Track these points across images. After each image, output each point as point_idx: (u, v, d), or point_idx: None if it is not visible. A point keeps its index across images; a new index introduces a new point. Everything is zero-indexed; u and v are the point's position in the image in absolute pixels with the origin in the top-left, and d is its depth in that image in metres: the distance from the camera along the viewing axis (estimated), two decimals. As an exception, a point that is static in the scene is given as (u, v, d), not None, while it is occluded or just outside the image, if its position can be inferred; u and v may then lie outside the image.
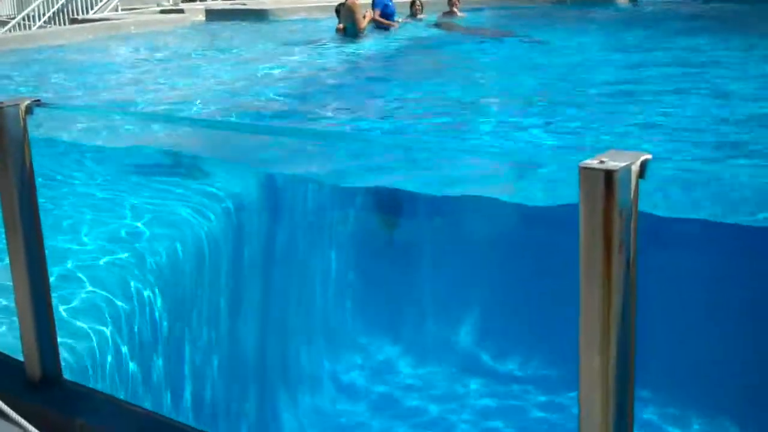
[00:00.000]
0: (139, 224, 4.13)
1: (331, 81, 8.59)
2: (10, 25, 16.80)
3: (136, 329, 3.43)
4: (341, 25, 11.87)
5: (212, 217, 4.31)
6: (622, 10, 16.35)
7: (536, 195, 3.21)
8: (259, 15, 15.39)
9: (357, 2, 11.75)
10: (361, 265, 4.83)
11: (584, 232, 1.61)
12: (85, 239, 3.92)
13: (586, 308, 1.58)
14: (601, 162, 1.63)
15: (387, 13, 12.49)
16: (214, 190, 4.54)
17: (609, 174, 1.59)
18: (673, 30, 12.07)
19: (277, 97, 7.59)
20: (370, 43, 11.34)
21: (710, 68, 8.36)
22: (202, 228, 4.20)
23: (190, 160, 4.70)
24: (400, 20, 12.67)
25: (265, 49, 11.45)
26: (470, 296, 4.60)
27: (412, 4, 13.42)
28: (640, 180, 1.72)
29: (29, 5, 17.42)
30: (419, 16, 13.39)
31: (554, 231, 3.06)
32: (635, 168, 1.67)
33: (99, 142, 4.76)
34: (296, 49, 11.05)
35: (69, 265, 3.63)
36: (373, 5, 12.25)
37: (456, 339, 4.71)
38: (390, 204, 4.19)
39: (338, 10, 12.14)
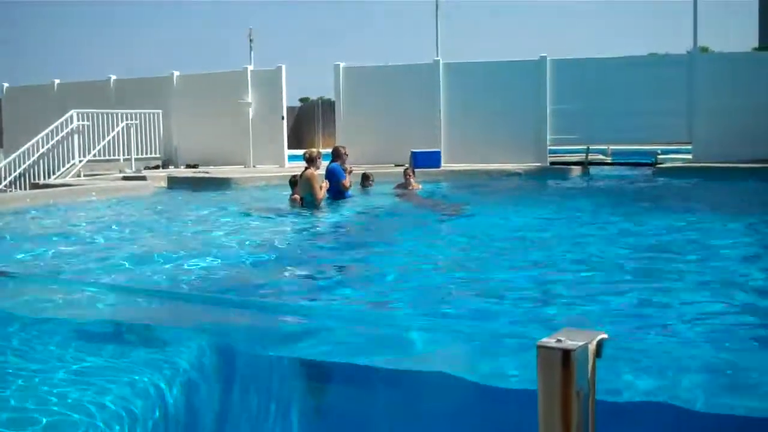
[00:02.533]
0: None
1: (290, 253, 8.65)
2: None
3: None
4: (296, 196, 12.07)
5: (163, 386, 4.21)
6: (575, 183, 16.96)
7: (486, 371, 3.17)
8: (220, 183, 15.66)
9: (315, 174, 12.02)
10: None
11: (542, 410, 1.61)
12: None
13: (546, 491, 1.56)
14: (558, 341, 1.64)
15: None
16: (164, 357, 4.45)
17: (566, 353, 1.60)
18: (622, 204, 12.52)
19: (236, 268, 7.61)
20: (328, 214, 11.53)
21: (656, 242, 8.60)
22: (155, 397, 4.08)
23: (143, 329, 4.63)
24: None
25: (227, 217, 11.56)
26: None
27: (364, 176, 13.73)
28: (597, 359, 1.74)
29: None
30: (370, 187, 13.68)
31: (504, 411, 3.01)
32: (592, 347, 1.69)
33: (48, 313, 4.71)
34: (257, 219, 11.19)
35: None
36: (327, 176, 12.50)
37: None
38: (317, 373, 4.10)
39: (292, 181, 12.38)
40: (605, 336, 1.76)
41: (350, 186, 12.44)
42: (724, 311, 5.36)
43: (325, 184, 12.26)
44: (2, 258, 8.24)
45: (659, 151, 19.91)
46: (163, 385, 4.00)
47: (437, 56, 19.86)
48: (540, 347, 1.65)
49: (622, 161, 20.00)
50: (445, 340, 3.18)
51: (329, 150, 14.00)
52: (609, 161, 20.62)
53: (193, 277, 6.96)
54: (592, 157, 19.36)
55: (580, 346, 1.68)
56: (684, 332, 4.79)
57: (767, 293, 6.13)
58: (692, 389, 2.66)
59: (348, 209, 12.01)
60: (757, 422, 2.80)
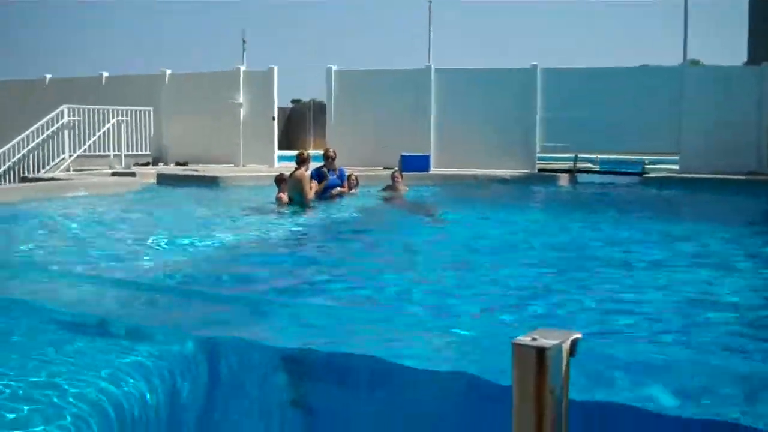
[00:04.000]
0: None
1: (275, 251, 8.70)
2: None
3: None
4: (282, 194, 12.09)
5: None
6: (563, 190, 17.08)
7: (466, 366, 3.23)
8: (209, 181, 15.68)
9: (306, 174, 12.07)
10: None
11: (516, 407, 1.67)
12: None
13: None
14: (534, 339, 1.70)
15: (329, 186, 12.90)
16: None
17: (541, 351, 1.66)
18: (609, 211, 12.61)
19: (225, 265, 7.65)
20: (313, 214, 11.57)
21: (641, 249, 8.69)
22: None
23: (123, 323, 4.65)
24: (337, 190, 12.98)
25: (213, 214, 11.59)
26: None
27: (348, 177, 13.83)
28: (570, 358, 1.80)
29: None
30: (353, 191, 13.69)
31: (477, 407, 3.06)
32: (566, 346, 1.75)
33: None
34: (242, 217, 11.22)
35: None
36: (314, 177, 12.58)
37: None
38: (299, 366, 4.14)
39: (278, 180, 12.38)
40: (579, 336, 1.81)
41: (311, 199, 12.19)
42: (692, 316, 5.45)
43: (314, 185, 12.31)
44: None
45: (647, 161, 20.04)
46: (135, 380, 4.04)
47: (429, 61, 19.94)
48: (515, 345, 1.71)
49: (610, 170, 20.12)
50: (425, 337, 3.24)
51: (321, 152, 14.09)
52: (597, 170, 20.74)
53: (170, 271, 7.00)
54: (580, 165, 19.47)
55: (554, 345, 1.74)
56: (654, 336, 4.88)
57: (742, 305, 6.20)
58: (660, 393, 2.72)
59: (333, 210, 12.06)
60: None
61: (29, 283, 5.18)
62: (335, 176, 13.09)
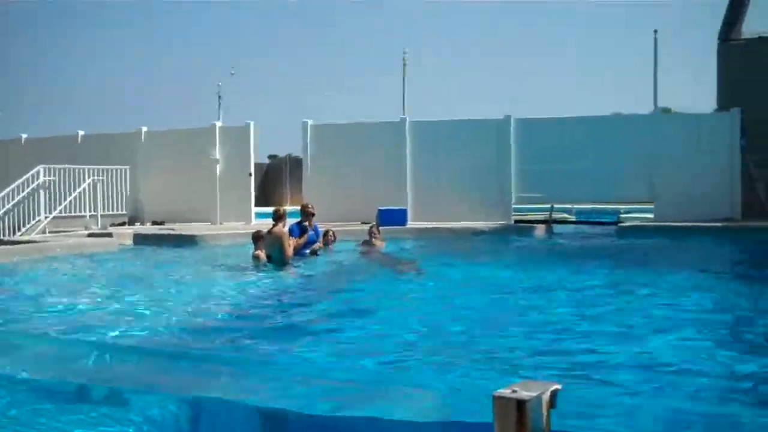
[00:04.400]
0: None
1: (256, 310, 8.67)
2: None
3: None
4: (259, 252, 12.06)
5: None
6: (540, 241, 17.17)
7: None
8: (187, 240, 15.64)
9: (285, 231, 12.08)
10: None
11: (500, 460, 1.68)
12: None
13: None
14: (513, 391, 1.72)
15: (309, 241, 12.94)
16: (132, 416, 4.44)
17: (521, 403, 1.68)
18: (587, 263, 12.69)
19: (205, 325, 7.61)
20: (296, 271, 11.55)
21: (616, 300, 8.75)
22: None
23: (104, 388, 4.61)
24: (316, 245, 12.99)
25: (191, 275, 11.54)
26: None
27: (326, 233, 13.85)
28: (551, 409, 1.82)
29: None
30: (330, 246, 13.71)
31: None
32: (546, 397, 1.77)
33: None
34: (220, 277, 11.17)
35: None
36: (292, 233, 12.60)
37: None
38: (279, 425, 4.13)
39: (255, 237, 12.34)
40: (559, 387, 1.84)
41: (290, 256, 12.17)
42: (672, 363, 5.49)
43: (293, 242, 12.30)
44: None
45: (622, 210, 20.25)
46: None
47: (404, 114, 20.15)
48: (495, 398, 1.73)
49: (586, 220, 20.31)
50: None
51: (297, 207, 14.11)
52: (573, 220, 20.92)
53: (148, 333, 6.95)
54: (556, 215, 19.64)
55: (534, 397, 1.76)
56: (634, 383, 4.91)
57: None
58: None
59: (311, 267, 12.05)
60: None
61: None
62: (312, 232, 13.13)
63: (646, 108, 19.40)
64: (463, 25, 67.91)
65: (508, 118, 19.22)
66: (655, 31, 19.62)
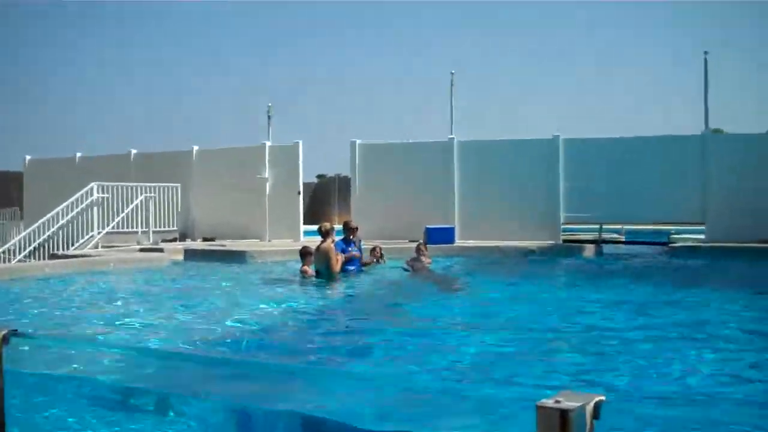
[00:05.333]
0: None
1: (311, 324, 8.76)
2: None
3: None
4: (306, 267, 12.18)
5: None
6: (589, 261, 17.00)
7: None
8: (236, 256, 15.81)
9: (332, 246, 12.17)
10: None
11: (543, 469, 1.69)
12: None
13: None
14: (557, 402, 1.74)
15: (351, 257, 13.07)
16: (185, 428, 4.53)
17: (564, 413, 1.70)
18: (635, 284, 12.55)
19: (257, 337, 7.71)
20: (339, 287, 11.64)
21: (670, 321, 8.64)
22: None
23: (159, 395, 4.70)
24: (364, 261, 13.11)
25: (246, 289, 11.68)
26: None
27: (373, 249, 13.87)
28: (595, 420, 1.83)
29: (9, 240, 17.88)
30: (379, 262, 13.85)
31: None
32: (589, 408, 1.78)
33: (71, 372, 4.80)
34: (274, 291, 11.29)
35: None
36: (342, 249, 12.75)
37: None
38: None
39: (303, 253, 12.48)
40: (603, 398, 1.84)
41: (338, 271, 12.28)
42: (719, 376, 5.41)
43: (340, 257, 12.40)
44: (17, 318, 8.38)
45: (673, 231, 19.96)
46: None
47: (452, 134, 20.17)
48: (539, 407, 1.74)
49: (636, 240, 20.05)
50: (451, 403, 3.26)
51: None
52: (623, 240, 20.67)
53: (200, 342, 7.07)
54: (605, 235, 19.42)
55: (577, 407, 1.77)
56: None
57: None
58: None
59: (359, 282, 12.12)
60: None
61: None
62: (356, 248, 13.26)
63: (698, 130, 19.01)
64: (512, 45, 67.80)
65: (556, 137, 19.11)
66: (706, 53, 19.30)
